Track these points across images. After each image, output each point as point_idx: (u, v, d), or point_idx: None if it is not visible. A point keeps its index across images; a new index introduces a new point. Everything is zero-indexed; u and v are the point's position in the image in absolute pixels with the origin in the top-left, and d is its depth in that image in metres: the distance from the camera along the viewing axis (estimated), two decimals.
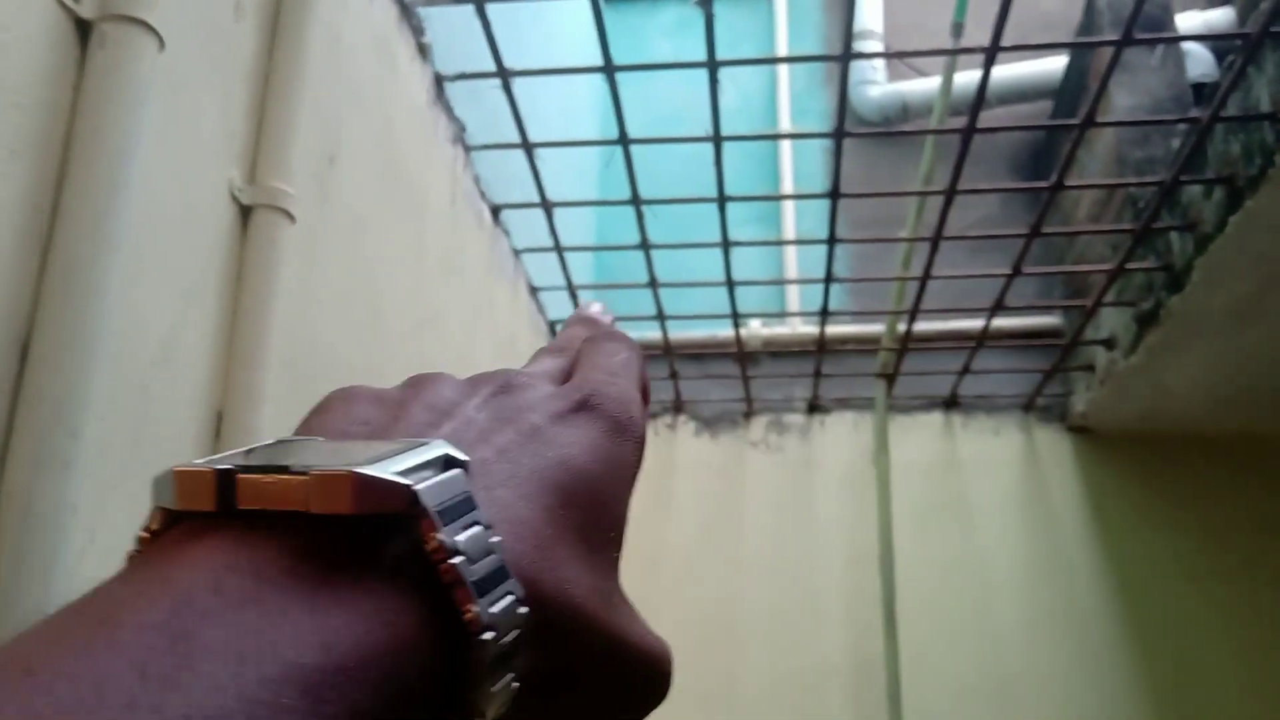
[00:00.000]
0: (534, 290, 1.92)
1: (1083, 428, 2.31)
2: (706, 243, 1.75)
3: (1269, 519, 2.20)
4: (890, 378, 2.23)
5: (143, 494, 0.65)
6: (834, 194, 1.61)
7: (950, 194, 1.58)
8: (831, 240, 1.74)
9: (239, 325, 0.86)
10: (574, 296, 1.96)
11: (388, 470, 0.20)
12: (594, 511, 0.25)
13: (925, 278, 1.83)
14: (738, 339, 2.11)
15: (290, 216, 0.92)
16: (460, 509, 0.20)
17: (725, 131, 1.49)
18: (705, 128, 1.48)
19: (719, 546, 2.37)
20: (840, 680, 2.22)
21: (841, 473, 2.38)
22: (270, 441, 0.23)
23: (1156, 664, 2.16)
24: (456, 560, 0.20)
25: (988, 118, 2.59)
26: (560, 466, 0.24)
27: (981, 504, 2.31)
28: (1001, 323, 2.31)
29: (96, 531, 0.68)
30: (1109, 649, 2.18)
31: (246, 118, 0.91)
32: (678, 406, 2.48)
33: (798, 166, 2.67)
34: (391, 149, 1.25)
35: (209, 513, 0.20)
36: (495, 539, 0.21)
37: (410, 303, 1.30)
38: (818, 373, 2.27)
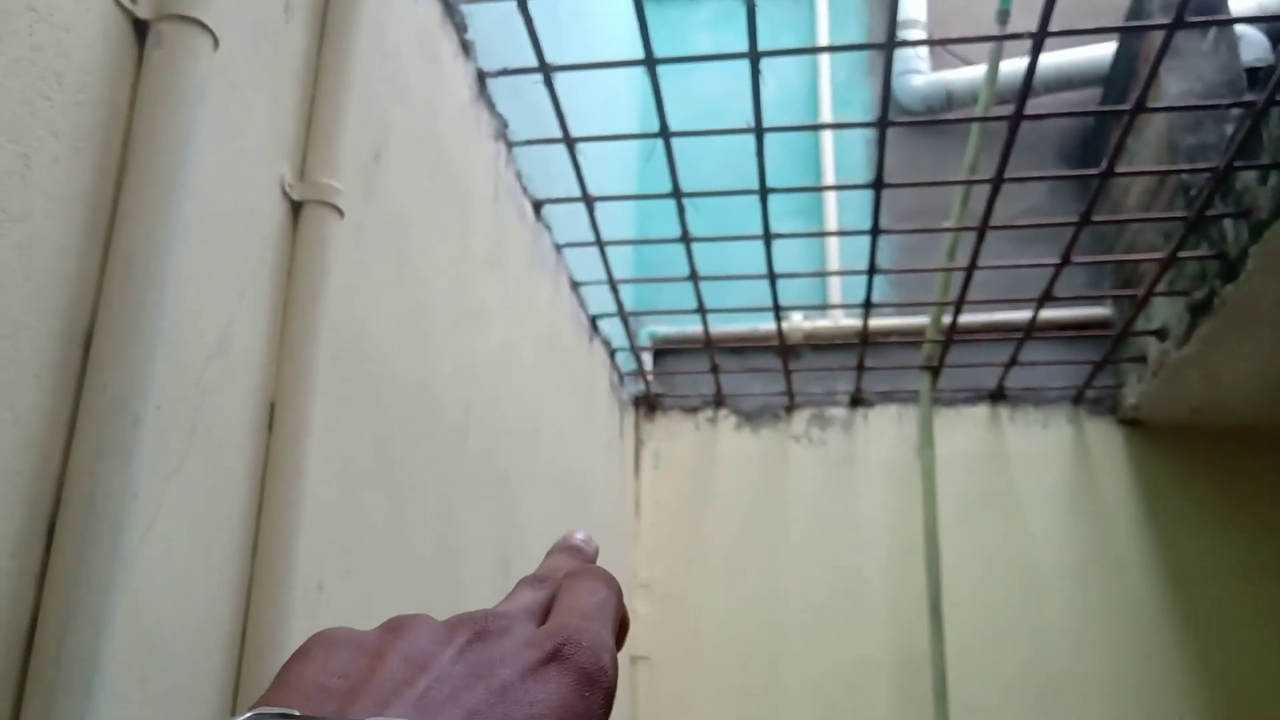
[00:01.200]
0: (575, 285, 1.93)
1: (1134, 420, 2.27)
2: (748, 235, 1.75)
3: None
4: (935, 370, 2.21)
5: (200, 482, 0.66)
6: (877, 184, 1.60)
7: (997, 182, 1.56)
8: (875, 231, 1.73)
9: (290, 319, 0.88)
10: (615, 291, 1.96)
11: None
12: None
13: (971, 268, 1.81)
14: (779, 332, 2.10)
15: (339, 212, 0.93)
16: None
17: (766, 124, 1.48)
18: (746, 120, 1.48)
19: (761, 541, 2.36)
20: (885, 675, 2.21)
21: (885, 467, 2.36)
22: (249, 714, 0.25)
23: (1208, 662, 2.12)
24: None
25: (1034, 106, 2.55)
26: None
27: (1029, 498, 2.28)
28: (1050, 314, 2.28)
29: (156, 518, 0.70)
30: (1160, 646, 2.14)
31: (296, 115, 0.93)
32: (719, 401, 2.47)
33: (839, 159, 2.66)
34: (436, 145, 1.26)
35: None
36: None
37: (455, 297, 1.31)
38: (860, 365, 2.26)
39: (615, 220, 2.26)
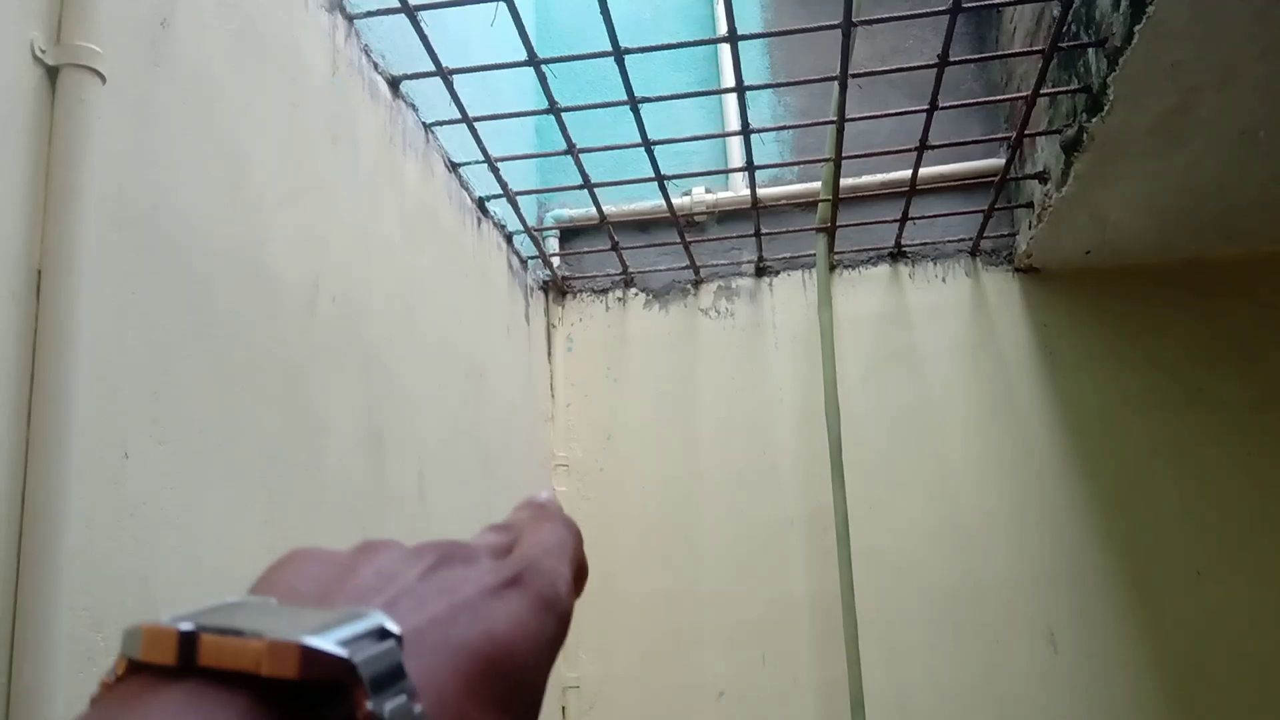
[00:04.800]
0: (454, 166, 1.90)
1: (1030, 268, 2.29)
2: (613, 101, 1.72)
3: (1213, 347, 2.20)
4: (830, 231, 2.21)
5: None
6: (731, 37, 1.57)
7: (847, 27, 1.54)
8: (741, 89, 1.71)
9: (52, 185, 0.87)
10: (494, 171, 1.94)
11: (330, 640, 0.23)
12: (512, 681, 0.27)
13: (841, 120, 1.80)
14: (668, 203, 2.09)
15: (100, 76, 0.92)
16: (390, 678, 0.23)
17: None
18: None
19: (675, 414, 2.40)
20: (797, 531, 2.27)
21: (791, 332, 2.38)
22: (230, 601, 0.26)
23: (1105, 496, 2.19)
24: None
25: None
26: (485, 638, 0.27)
27: (931, 352, 2.31)
28: (950, 168, 2.28)
29: None
30: (1059, 484, 2.21)
31: None
32: (627, 280, 2.48)
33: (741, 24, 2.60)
34: (245, 15, 1.23)
35: (169, 666, 0.23)
36: (418, 708, 0.24)
37: (286, 173, 1.29)
38: (758, 233, 2.25)
39: (508, 98, 2.22)
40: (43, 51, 0.89)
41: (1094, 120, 1.70)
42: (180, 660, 0.23)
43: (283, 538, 1.21)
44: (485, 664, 0.27)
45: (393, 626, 0.25)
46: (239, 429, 1.14)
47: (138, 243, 0.99)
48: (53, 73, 0.90)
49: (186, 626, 0.23)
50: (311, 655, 0.22)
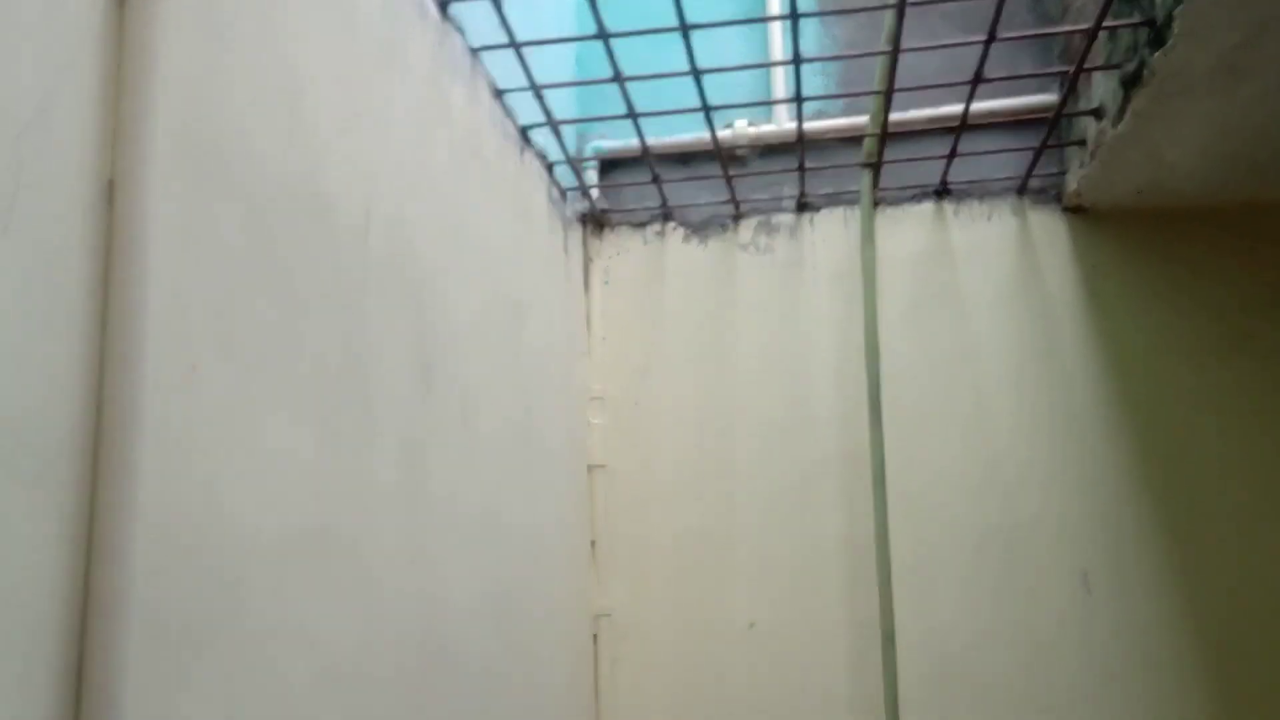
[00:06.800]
0: (498, 93, 1.88)
1: (1078, 207, 2.26)
2: (663, 28, 1.69)
3: (1263, 293, 2.16)
4: (875, 166, 2.18)
5: (29, 253, 0.67)
6: None
7: None
8: (794, 15, 1.67)
9: (123, 97, 0.87)
10: (539, 98, 1.92)
11: None
12: None
13: (895, 51, 1.76)
14: (713, 135, 2.06)
15: None
16: None
17: None
18: None
19: (712, 349, 2.40)
20: (832, 471, 2.28)
21: (832, 270, 2.36)
22: None
23: (1148, 443, 2.18)
24: None
25: None
26: None
27: (974, 292, 2.29)
28: (999, 104, 2.24)
29: None
30: (1100, 428, 2.20)
31: None
32: (666, 214, 2.46)
33: None
34: None
35: None
36: None
37: (343, 97, 1.28)
38: (801, 167, 2.22)
39: (547, 23, 2.18)
40: None
41: (1156, 55, 1.66)
42: None
43: (336, 460, 1.22)
44: None
45: None
46: (297, 352, 1.15)
47: (202, 165, 0.98)
48: None
49: None
50: None
